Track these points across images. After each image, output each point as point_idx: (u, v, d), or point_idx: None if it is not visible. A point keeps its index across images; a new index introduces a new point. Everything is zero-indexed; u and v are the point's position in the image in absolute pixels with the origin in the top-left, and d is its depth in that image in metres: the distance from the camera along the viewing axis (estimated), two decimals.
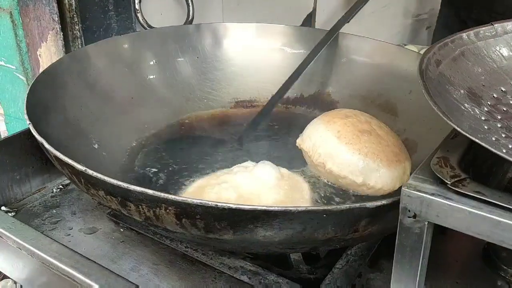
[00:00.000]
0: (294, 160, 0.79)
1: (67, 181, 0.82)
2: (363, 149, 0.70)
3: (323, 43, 0.94)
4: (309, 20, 1.19)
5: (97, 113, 0.81)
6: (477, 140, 0.42)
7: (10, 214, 0.75)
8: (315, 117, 0.80)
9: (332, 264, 0.66)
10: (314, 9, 1.18)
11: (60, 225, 0.74)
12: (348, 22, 0.93)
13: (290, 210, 0.46)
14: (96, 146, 0.76)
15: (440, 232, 0.47)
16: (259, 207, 0.47)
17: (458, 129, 0.44)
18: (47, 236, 0.69)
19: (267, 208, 0.47)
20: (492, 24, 0.64)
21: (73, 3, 0.87)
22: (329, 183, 0.74)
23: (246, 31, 1.03)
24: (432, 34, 1.88)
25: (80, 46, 0.92)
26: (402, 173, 0.72)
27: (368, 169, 0.70)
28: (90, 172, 0.51)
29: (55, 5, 0.86)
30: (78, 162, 0.53)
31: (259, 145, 0.86)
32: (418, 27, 1.89)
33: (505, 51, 0.63)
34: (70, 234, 0.72)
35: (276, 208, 0.47)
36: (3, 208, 0.76)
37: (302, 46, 1.01)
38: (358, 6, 0.93)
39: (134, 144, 0.84)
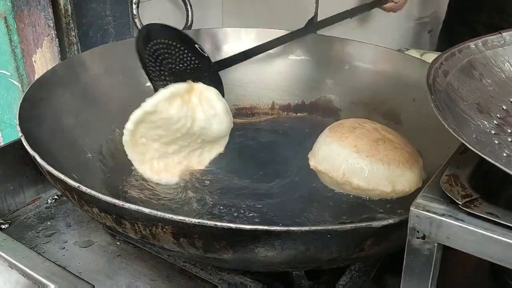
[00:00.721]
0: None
1: None
2: (385, 158, 0.71)
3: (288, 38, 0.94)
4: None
5: (93, 122, 0.79)
6: (490, 160, 0.40)
7: (3, 226, 0.73)
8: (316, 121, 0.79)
9: (335, 280, 0.64)
10: (316, 14, 1.16)
11: (54, 237, 0.72)
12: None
13: (293, 230, 0.44)
14: (90, 156, 0.74)
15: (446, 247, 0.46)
16: (260, 227, 0.45)
17: (471, 147, 0.42)
18: (41, 251, 0.68)
19: (269, 228, 0.45)
20: (500, 33, 0.62)
21: (69, 9, 0.85)
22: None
23: (246, 36, 1.01)
24: (433, 38, 1.86)
25: (76, 52, 0.90)
26: (421, 170, 0.74)
27: (394, 176, 0.70)
28: (83, 188, 0.49)
29: (50, 10, 0.84)
30: (72, 175, 0.51)
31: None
32: (419, 31, 1.87)
33: None
34: (64, 248, 0.70)
35: (278, 228, 0.44)
36: None
37: (303, 52, 0.99)
38: (357, 11, 0.93)
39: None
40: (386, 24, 1.55)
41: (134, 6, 0.98)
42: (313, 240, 0.46)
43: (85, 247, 0.70)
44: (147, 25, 0.80)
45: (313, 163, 0.75)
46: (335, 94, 0.96)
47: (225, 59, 0.89)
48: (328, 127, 0.78)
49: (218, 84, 0.84)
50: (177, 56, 0.81)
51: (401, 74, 0.91)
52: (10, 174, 0.75)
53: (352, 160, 0.71)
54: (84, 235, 0.72)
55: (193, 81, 0.76)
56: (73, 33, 0.88)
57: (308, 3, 1.08)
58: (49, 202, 0.79)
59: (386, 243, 0.50)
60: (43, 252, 0.68)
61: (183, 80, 0.76)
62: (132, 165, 0.77)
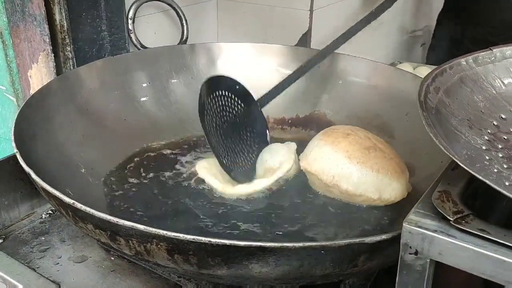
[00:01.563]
0: None
1: None
2: (374, 166, 0.72)
3: (314, 62, 0.93)
4: (305, 40, 1.19)
5: (88, 137, 0.79)
6: (480, 177, 0.41)
7: None
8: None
9: None
10: (310, 29, 1.17)
11: (49, 253, 0.72)
12: (344, 42, 0.92)
13: (287, 246, 0.45)
14: (85, 171, 0.74)
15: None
16: (254, 244, 0.45)
17: (461, 164, 0.42)
18: (35, 266, 0.68)
19: (263, 244, 0.45)
20: (491, 49, 0.63)
21: (65, 24, 0.86)
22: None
23: (241, 51, 1.01)
24: (425, 51, 1.88)
25: (72, 67, 0.90)
26: (407, 181, 0.75)
27: (382, 184, 0.72)
28: (78, 205, 0.49)
29: (46, 26, 0.84)
30: (66, 190, 0.51)
31: None
32: (412, 44, 1.89)
33: (504, 77, 0.62)
34: (59, 263, 0.70)
35: (272, 244, 0.45)
36: None
37: (297, 67, 0.99)
38: (357, 28, 0.93)
39: (127, 167, 0.82)
40: (379, 37, 1.57)
41: (130, 21, 0.98)
42: (307, 256, 0.46)
43: (79, 262, 0.70)
44: (206, 80, 0.77)
45: (303, 164, 0.76)
46: (329, 109, 0.97)
47: (266, 94, 0.88)
48: (321, 131, 0.79)
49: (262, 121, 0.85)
50: (229, 104, 0.80)
51: (394, 88, 0.92)
52: (4, 189, 0.76)
53: (343, 165, 0.72)
54: (79, 250, 0.72)
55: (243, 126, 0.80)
56: (68, 48, 0.89)
57: (301, 19, 1.10)
58: (43, 217, 0.79)
59: (379, 258, 0.50)
60: (37, 267, 0.68)
61: (238, 127, 0.80)
62: None
